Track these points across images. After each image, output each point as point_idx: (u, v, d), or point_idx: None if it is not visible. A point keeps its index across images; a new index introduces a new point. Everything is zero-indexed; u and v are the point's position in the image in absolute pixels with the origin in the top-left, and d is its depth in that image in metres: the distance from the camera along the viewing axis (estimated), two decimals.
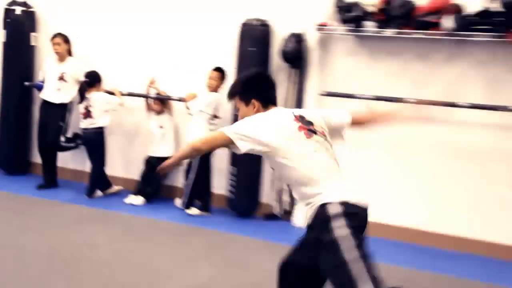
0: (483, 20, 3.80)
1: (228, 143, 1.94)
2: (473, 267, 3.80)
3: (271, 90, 2.13)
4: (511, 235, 3.96)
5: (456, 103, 3.93)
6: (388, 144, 4.17)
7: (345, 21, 4.15)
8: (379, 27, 4.05)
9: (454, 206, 4.09)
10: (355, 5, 4.09)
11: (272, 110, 2.05)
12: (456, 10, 3.86)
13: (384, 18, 4.03)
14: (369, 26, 4.08)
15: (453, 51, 4.01)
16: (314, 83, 4.38)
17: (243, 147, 1.91)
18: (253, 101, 2.05)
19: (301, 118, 1.99)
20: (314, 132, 1.97)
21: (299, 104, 4.42)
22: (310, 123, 1.99)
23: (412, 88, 4.10)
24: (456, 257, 3.98)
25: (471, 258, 3.95)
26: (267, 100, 2.08)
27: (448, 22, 3.83)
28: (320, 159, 1.93)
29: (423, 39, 3.98)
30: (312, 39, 4.34)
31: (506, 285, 3.46)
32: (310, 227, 1.93)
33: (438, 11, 3.91)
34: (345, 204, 1.83)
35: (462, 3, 3.85)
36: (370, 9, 4.06)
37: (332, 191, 1.86)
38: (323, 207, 1.83)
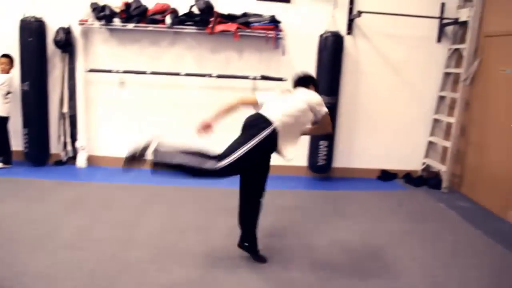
0: (189, 18, 5.75)
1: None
2: None
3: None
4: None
5: (179, 73, 5.94)
6: (144, 102, 6.08)
7: (99, 18, 5.71)
8: (124, 22, 5.70)
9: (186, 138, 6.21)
10: (105, 6, 5.68)
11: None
12: (173, 11, 5.73)
13: (126, 16, 5.69)
14: (117, 22, 5.71)
15: (173, 39, 5.97)
16: (81, 63, 5.94)
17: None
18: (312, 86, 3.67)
19: None
20: None
21: (72, 78, 5.95)
22: None
23: (149, 64, 5.97)
24: None
25: None
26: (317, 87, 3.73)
27: (168, 19, 5.67)
28: None
29: (154, 31, 5.78)
30: (76, 31, 5.85)
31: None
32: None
33: (162, 12, 5.75)
34: None
35: (176, 6, 5.75)
36: (116, 9, 5.72)
37: None
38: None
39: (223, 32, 5.59)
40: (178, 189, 5.28)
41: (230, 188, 5.41)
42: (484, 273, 3.82)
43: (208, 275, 3.43)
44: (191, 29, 5.58)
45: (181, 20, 5.71)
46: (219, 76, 5.87)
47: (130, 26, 5.66)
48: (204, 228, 4.28)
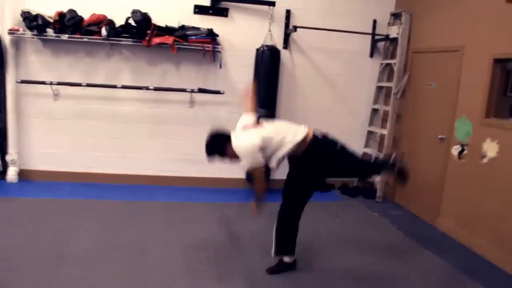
0: (126, 30, 5.71)
1: None
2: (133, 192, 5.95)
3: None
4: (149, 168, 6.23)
5: (115, 85, 5.89)
6: (79, 115, 5.98)
7: (31, 28, 5.54)
8: (58, 33, 5.57)
9: (121, 152, 6.17)
10: (38, 16, 5.50)
11: None
12: (109, 22, 5.67)
13: (60, 26, 5.56)
14: (50, 32, 5.57)
15: (110, 51, 5.92)
16: (11, 74, 5.74)
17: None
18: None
19: None
20: None
21: (1, 90, 5.73)
22: None
23: (85, 76, 5.88)
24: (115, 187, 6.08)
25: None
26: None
27: (104, 31, 5.60)
28: None
29: (90, 42, 5.69)
30: (7, 41, 5.66)
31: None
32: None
33: (98, 23, 5.67)
34: None
35: (113, 18, 5.70)
36: (50, 19, 5.56)
37: None
38: None
39: (160, 44, 5.61)
40: (113, 203, 5.24)
41: (166, 201, 5.44)
42: (411, 273, 4.07)
43: None
44: (128, 41, 5.53)
45: (117, 31, 5.67)
46: (156, 89, 5.88)
47: (65, 37, 5.56)
48: (141, 242, 4.25)
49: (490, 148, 4.63)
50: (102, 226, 4.56)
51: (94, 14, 5.64)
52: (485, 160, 4.71)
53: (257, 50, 5.92)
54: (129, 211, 5.02)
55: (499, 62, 4.65)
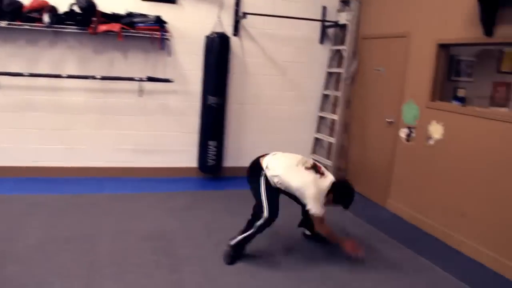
0: (70, 17, 5.48)
1: None
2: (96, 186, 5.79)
3: None
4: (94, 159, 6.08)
5: (60, 75, 5.68)
6: (22, 106, 5.72)
7: None
8: None
9: (68, 144, 5.98)
10: None
11: None
12: (51, 9, 5.40)
13: None
14: None
15: (53, 39, 5.68)
16: None
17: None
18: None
19: None
20: None
21: None
22: None
23: (27, 65, 5.63)
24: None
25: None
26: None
27: (46, 18, 5.35)
28: None
29: (31, 30, 5.42)
30: None
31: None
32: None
33: (39, 9, 5.38)
34: None
35: (55, 4, 5.44)
36: None
37: None
38: None
39: (106, 32, 5.47)
40: (61, 198, 5.10)
41: (116, 193, 5.35)
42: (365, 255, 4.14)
43: (94, 285, 3.35)
44: (72, 28, 5.32)
45: (61, 19, 5.43)
46: (104, 78, 5.74)
47: (3, 24, 5.28)
48: (89, 236, 4.17)
49: (436, 130, 4.79)
50: (49, 221, 4.43)
51: (35, 0, 5.39)
52: (431, 142, 4.88)
53: (207, 37, 5.87)
54: (77, 204, 4.90)
55: (443, 47, 4.81)
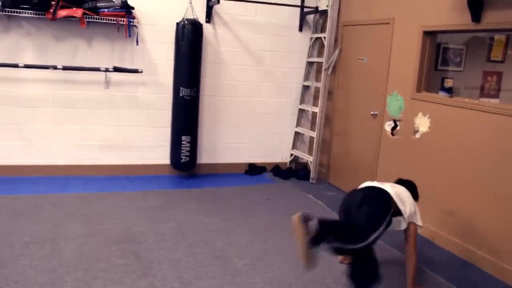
0: (25, 1, 5.26)
1: None
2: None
3: None
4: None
5: (17, 64, 5.50)
6: None
7: None
8: None
9: (27, 141, 5.85)
10: None
11: None
12: None
13: None
14: None
15: (7, 24, 5.48)
16: None
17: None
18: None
19: None
20: None
21: None
22: None
23: None
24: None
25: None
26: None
27: None
28: None
29: None
30: None
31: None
32: None
33: None
34: None
35: None
36: None
37: None
38: None
39: (67, 18, 5.33)
40: (17, 198, 4.99)
41: (81, 193, 5.24)
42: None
43: None
44: (29, 13, 5.15)
45: (15, 2, 5.24)
46: (66, 68, 5.60)
47: None
48: (51, 239, 4.07)
49: (422, 123, 4.81)
50: (6, 225, 4.31)
51: None
52: (417, 135, 4.90)
53: (178, 24, 5.78)
54: (38, 206, 4.79)
55: (429, 34, 4.82)
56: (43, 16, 5.30)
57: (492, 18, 4.08)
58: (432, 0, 4.71)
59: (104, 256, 3.83)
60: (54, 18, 5.30)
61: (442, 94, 4.70)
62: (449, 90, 4.70)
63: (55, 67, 5.60)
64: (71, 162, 5.91)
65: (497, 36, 4.82)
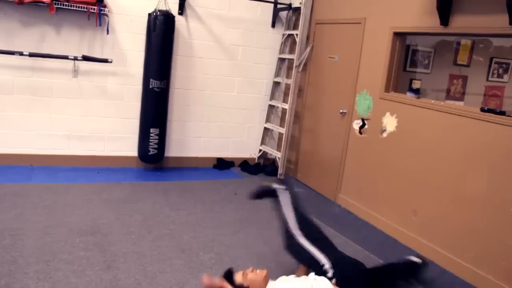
0: None
1: None
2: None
3: None
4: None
5: None
6: None
7: None
8: None
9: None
10: None
11: None
12: None
13: None
14: None
15: None
16: None
17: None
18: None
19: None
20: None
21: None
22: None
23: None
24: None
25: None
26: None
27: None
28: None
29: None
30: None
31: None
32: None
33: None
34: None
35: None
36: None
37: None
38: None
39: (35, 2, 5.22)
40: None
41: (46, 183, 5.15)
42: None
43: (15, 285, 3.21)
44: None
45: None
46: (32, 55, 5.48)
47: None
48: (13, 230, 4.00)
49: (390, 123, 4.90)
50: None
51: None
52: (384, 135, 4.99)
53: (150, 15, 5.73)
54: (1, 195, 4.67)
55: (398, 35, 4.90)
56: (9, 0, 5.18)
57: (460, 22, 4.17)
58: (403, 2, 4.78)
59: (67, 248, 3.78)
60: (21, 2, 5.19)
61: (409, 94, 4.79)
62: (417, 91, 4.80)
63: (21, 53, 5.47)
64: (36, 151, 5.80)
65: (463, 41, 4.94)
